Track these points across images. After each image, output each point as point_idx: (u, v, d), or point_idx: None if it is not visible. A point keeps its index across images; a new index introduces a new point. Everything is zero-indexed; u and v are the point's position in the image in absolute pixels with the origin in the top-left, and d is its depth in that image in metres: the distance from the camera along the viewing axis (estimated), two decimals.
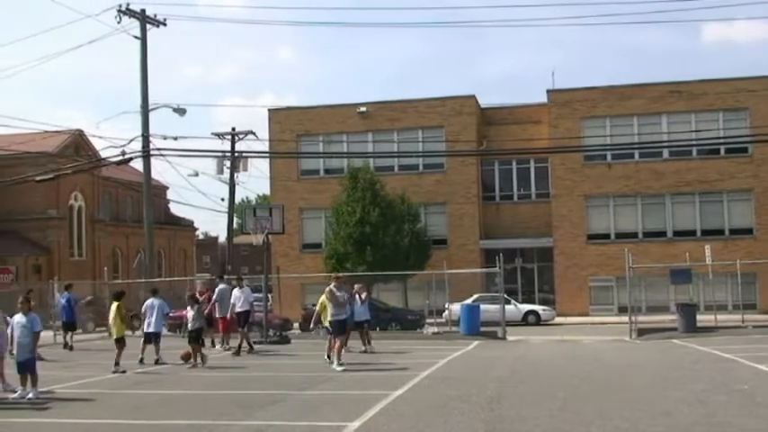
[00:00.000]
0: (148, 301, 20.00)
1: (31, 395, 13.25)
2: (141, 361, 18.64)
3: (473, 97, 44.21)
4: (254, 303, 23.98)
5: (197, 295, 21.66)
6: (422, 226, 40.22)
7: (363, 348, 21.42)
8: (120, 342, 17.63)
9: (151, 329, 19.44)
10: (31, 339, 13.61)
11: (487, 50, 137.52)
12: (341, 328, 17.79)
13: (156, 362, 18.78)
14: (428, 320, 29.86)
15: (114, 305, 18.32)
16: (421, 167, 43.62)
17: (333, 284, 18.25)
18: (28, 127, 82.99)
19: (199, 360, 18.27)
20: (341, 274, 19.67)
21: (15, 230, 49.96)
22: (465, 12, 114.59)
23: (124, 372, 16.91)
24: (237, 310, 22.28)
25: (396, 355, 19.18)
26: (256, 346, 23.23)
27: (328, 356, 18.21)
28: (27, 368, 13.47)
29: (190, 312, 18.79)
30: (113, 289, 24.27)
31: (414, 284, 38.13)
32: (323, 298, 18.89)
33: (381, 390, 13.31)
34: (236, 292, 22.82)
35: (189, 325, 18.75)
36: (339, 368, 16.66)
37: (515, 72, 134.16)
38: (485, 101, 45.88)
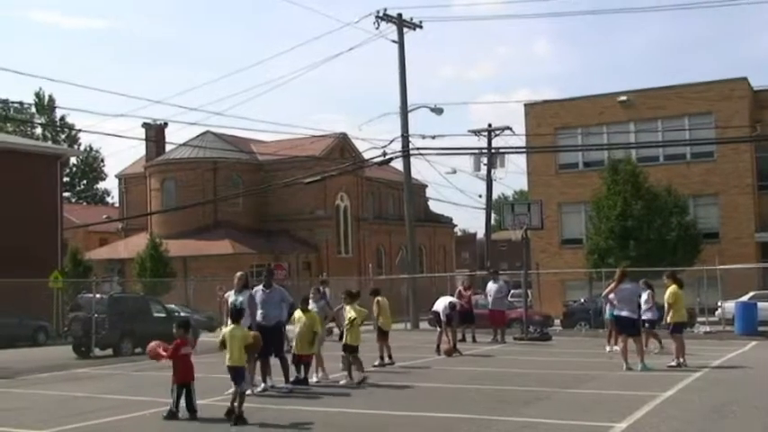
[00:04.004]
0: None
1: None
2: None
3: (745, 80, 41.20)
4: (513, 300, 23.92)
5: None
6: (691, 219, 38.06)
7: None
8: (384, 336, 17.94)
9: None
10: None
11: (753, 30, 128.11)
12: (631, 327, 16.46)
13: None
14: (699, 319, 28.29)
15: (375, 300, 18.71)
16: (688, 157, 41.34)
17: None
18: (296, 132, 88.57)
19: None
20: (626, 269, 18.54)
21: (287, 230, 53.52)
22: None
23: (389, 364, 17.34)
24: (436, 309, 20.72)
25: (663, 355, 18.28)
26: (519, 342, 23.28)
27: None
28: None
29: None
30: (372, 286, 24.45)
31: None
32: None
33: (649, 390, 12.72)
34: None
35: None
36: (638, 368, 15.77)
37: None
38: (756, 83, 42.50)
